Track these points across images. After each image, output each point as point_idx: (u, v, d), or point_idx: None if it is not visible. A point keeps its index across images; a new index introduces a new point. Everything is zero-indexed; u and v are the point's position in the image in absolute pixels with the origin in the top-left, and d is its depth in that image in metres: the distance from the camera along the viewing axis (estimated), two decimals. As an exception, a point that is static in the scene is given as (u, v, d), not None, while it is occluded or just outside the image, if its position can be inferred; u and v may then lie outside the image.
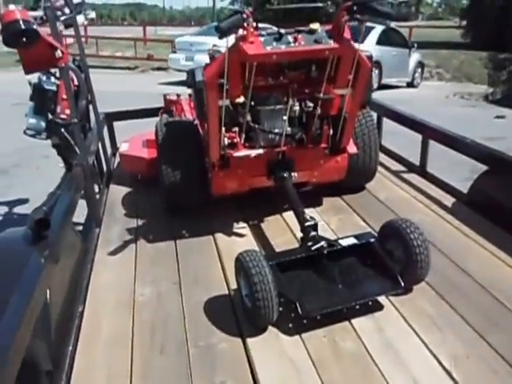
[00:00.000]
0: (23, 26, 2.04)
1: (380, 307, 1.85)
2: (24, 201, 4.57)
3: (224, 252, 2.31)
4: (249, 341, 1.71)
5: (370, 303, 1.84)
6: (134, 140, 3.37)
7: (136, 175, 3.32)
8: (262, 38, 2.08)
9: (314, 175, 2.57)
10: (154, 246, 2.44)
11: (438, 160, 3.28)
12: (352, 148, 2.59)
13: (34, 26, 2.07)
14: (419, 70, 13.44)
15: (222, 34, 1.91)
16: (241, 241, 2.43)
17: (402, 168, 3.32)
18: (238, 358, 1.65)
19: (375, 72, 11.17)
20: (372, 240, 1.97)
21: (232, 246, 2.33)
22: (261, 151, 2.40)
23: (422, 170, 3.18)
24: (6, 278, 1.47)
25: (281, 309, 1.73)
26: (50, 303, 1.61)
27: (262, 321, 1.73)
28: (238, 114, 2.30)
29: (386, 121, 3.68)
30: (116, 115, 3.87)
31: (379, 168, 3.00)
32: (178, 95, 3.63)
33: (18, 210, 4.46)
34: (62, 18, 2.92)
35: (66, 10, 2.83)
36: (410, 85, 13.01)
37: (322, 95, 2.28)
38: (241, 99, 2.20)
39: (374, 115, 3.11)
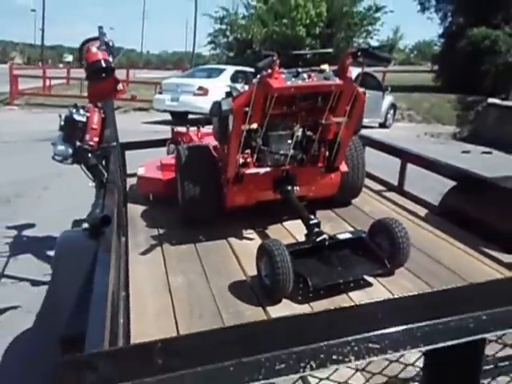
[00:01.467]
0: (104, 64, 2.58)
1: (370, 284, 2.37)
2: (31, 225, 4.99)
3: (238, 251, 2.81)
4: (268, 309, 2.21)
5: (362, 282, 2.36)
6: (149, 165, 3.89)
7: (148, 195, 3.81)
8: (283, 75, 2.63)
9: (311, 190, 3.11)
10: (177, 248, 2.92)
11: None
12: (344, 167, 3.16)
13: (113, 65, 2.62)
14: (391, 111, 14.42)
15: (258, 72, 2.48)
16: (251, 243, 2.93)
17: (382, 188, 3.91)
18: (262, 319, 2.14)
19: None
20: (363, 235, 2.51)
21: (245, 247, 2.83)
22: (268, 169, 2.95)
23: (400, 189, 3.76)
24: (81, 265, 1.96)
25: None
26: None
27: (281, 293, 2.23)
28: (251, 138, 2.85)
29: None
30: (128, 145, 4.39)
31: (363, 188, 3.58)
32: (188, 127, 4.19)
33: (26, 233, 4.88)
34: None
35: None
36: (383, 125, 13.91)
37: (323, 121, 2.84)
38: (254, 125, 2.75)
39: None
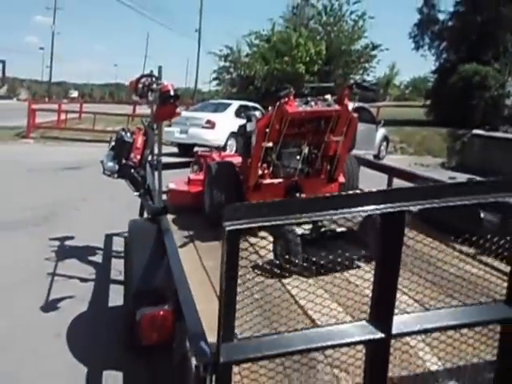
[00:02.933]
0: (172, 93, 3.46)
1: (359, 266, 3.08)
2: (70, 237, 5.73)
3: (253, 241, 3.51)
4: (283, 281, 2.91)
5: (354, 263, 3.06)
6: (178, 181, 4.65)
7: (177, 206, 4.53)
8: (296, 103, 3.40)
9: (314, 193, 3.83)
10: (206, 243, 3.58)
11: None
12: (341, 178, 3.90)
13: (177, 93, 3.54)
14: (384, 143, 15.28)
15: (279, 99, 3.27)
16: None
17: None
18: (280, 288, 2.84)
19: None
20: (355, 229, 3.24)
21: (260, 240, 3.54)
22: (281, 180, 3.68)
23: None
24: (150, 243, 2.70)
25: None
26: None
27: (291, 266, 2.92)
28: (268, 155, 3.59)
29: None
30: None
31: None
32: (210, 150, 4.99)
33: (67, 243, 5.61)
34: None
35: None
36: (376, 157, 14.71)
37: (326, 140, 3.59)
38: (270, 144, 3.49)
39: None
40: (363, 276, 2.81)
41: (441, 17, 25.10)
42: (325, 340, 1.53)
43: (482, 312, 1.71)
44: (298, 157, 3.68)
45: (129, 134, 4.42)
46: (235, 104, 14.47)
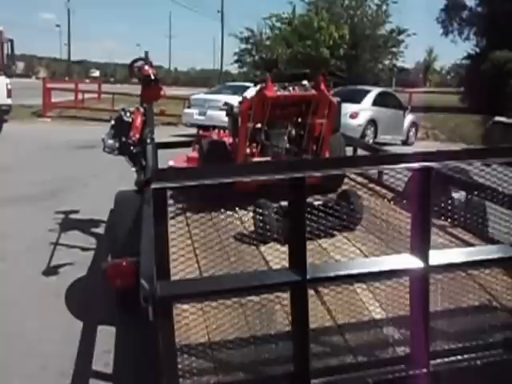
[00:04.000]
0: (153, 77, 3.86)
1: (334, 235, 3.44)
2: (75, 211, 6.24)
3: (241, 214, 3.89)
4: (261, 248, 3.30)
5: (329, 234, 3.43)
6: (178, 158, 5.07)
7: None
8: (275, 88, 3.78)
9: None
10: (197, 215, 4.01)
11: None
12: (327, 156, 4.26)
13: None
14: (413, 129, 15.44)
15: (256, 84, 3.66)
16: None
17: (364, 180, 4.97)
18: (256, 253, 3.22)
19: (370, 129, 13.12)
20: (331, 202, 3.59)
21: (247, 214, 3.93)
22: (269, 159, 4.06)
23: (379, 181, 4.82)
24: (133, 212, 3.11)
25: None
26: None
27: (268, 237, 3.29)
28: (257, 135, 3.98)
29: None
30: (161, 145, 5.58)
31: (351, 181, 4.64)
32: (208, 130, 5.40)
33: (72, 216, 6.12)
34: None
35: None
36: (405, 143, 14.93)
37: (310, 121, 3.96)
38: (258, 125, 3.88)
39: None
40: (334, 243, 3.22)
41: (468, 2, 24.87)
42: (251, 281, 1.93)
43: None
44: (286, 137, 4.06)
45: (128, 114, 4.88)
46: (254, 87, 14.73)
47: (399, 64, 24.56)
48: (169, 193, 1.83)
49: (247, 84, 16.06)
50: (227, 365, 2.04)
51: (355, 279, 2.17)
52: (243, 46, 24.54)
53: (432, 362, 2.02)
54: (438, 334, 2.14)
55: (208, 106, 13.62)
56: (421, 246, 1.97)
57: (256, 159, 4.06)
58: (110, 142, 4.83)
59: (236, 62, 25.30)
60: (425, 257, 1.96)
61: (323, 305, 2.34)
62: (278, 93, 3.76)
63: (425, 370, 2.00)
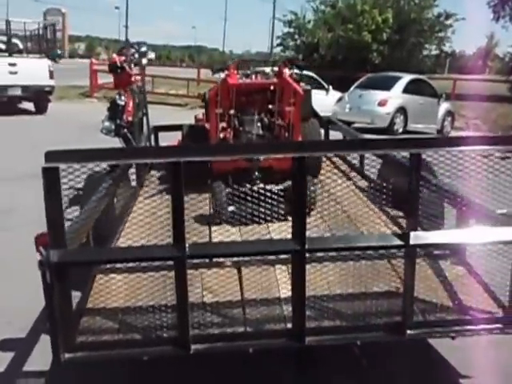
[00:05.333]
0: (119, 64, 4.11)
1: (287, 219, 3.59)
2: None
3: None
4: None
5: (279, 218, 3.59)
6: (172, 142, 5.32)
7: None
8: (238, 76, 3.96)
9: (273, 161, 4.31)
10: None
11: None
12: None
13: (124, 65, 4.17)
14: (449, 118, 14.97)
15: (215, 72, 3.84)
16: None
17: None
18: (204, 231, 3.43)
19: (400, 118, 12.93)
20: (282, 188, 3.71)
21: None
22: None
23: (361, 170, 4.89)
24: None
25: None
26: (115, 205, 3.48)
27: (219, 218, 3.49)
28: (227, 120, 4.16)
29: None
30: (161, 128, 5.85)
31: (331, 167, 4.75)
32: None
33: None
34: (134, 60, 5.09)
35: (136, 55, 4.96)
36: (440, 132, 14.59)
37: (277, 108, 4.10)
38: (221, 110, 4.03)
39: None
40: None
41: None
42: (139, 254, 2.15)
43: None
44: (258, 124, 4.21)
45: (122, 98, 5.17)
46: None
47: (446, 49, 23.80)
48: (63, 173, 2.05)
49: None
50: (129, 326, 2.27)
51: (227, 257, 2.38)
52: (286, 29, 24.55)
53: (309, 338, 2.18)
54: (321, 313, 2.30)
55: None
56: (299, 232, 2.13)
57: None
58: (107, 124, 5.14)
59: (279, 45, 25.37)
60: (302, 241, 2.12)
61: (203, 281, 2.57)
62: (240, 81, 3.93)
63: (300, 344, 2.18)
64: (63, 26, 63.26)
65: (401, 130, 12.94)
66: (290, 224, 3.55)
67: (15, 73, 12.78)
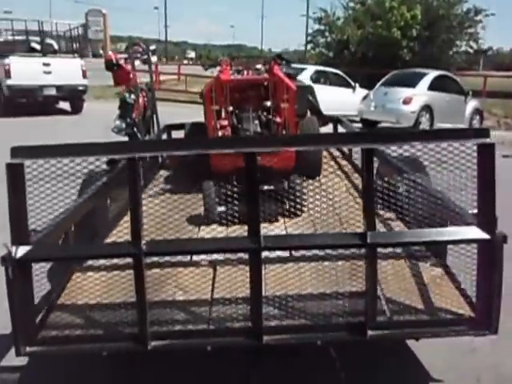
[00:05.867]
0: (114, 61, 4.20)
1: (278, 220, 3.56)
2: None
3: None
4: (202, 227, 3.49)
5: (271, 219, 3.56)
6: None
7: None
8: (230, 72, 3.95)
9: (271, 161, 4.25)
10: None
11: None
12: None
13: (120, 62, 4.27)
14: (477, 117, 14.45)
15: (207, 68, 3.86)
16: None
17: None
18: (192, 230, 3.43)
19: (425, 116, 12.60)
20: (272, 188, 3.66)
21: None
22: None
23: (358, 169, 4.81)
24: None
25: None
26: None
27: (210, 219, 3.46)
28: (224, 117, 4.13)
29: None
30: (173, 126, 5.86)
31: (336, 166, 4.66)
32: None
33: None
34: (143, 58, 5.18)
35: (140, 54, 5.04)
36: (468, 131, 14.14)
37: (268, 104, 4.04)
38: (217, 107, 4.02)
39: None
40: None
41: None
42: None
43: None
44: (256, 121, 4.17)
45: (132, 96, 5.23)
46: (310, 69, 14.72)
47: (479, 46, 23.09)
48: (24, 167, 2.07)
49: (303, 66, 15.88)
50: (94, 322, 2.31)
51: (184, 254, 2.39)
52: (316, 26, 24.36)
53: (267, 337, 2.17)
54: (281, 312, 2.28)
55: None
56: (254, 230, 2.12)
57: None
58: (117, 122, 5.22)
59: (309, 42, 25.14)
60: (257, 239, 2.11)
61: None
62: (232, 77, 3.92)
63: (258, 343, 2.17)
64: (104, 26, 64.46)
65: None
66: (278, 225, 3.57)
67: (49, 73, 13.05)
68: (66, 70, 13.27)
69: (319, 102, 5.51)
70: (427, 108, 12.58)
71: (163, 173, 4.99)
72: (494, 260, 2.13)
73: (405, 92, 12.46)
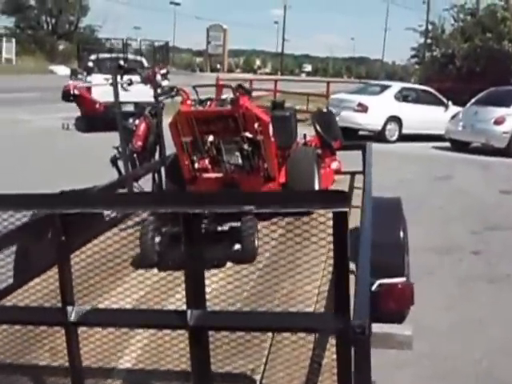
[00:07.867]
0: (72, 92, 4.17)
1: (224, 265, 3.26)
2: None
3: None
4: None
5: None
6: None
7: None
8: (192, 103, 3.70)
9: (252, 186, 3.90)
10: None
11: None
12: (282, 178, 3.93)
13: (75, 92, 4.22)
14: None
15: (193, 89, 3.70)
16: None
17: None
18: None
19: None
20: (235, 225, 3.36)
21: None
22: (218, 175, 3.93)
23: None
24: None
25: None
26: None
27: (146, 262, 3.21)
28: (208, 149, 3.83)
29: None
30: None
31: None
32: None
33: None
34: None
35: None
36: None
37: (241, 137, 3.72)
38: (187, 139, 3.80)
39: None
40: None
41: None
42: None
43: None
44: (237, 153, 3.85)
45: (137, 121, 5.09)
46: (396, 86, 13.94)
47: None
48: None
49: (389, 83, 15.13)
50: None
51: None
52: (421, 40, 22.97)
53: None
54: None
55: (343, 107, 13.22)
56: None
57: (208, 175, 3.99)
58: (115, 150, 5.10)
59: (413, 57, 23.81)
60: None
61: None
62: (193, 108, 3.67)
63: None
64: (224, 41, 67.28)
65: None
66: (225, 270, 3.21)
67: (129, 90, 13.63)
68: (144, 88, 13.75)
69: (338, 128, 5.11)
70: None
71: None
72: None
73: (497, 111, 11.42)
